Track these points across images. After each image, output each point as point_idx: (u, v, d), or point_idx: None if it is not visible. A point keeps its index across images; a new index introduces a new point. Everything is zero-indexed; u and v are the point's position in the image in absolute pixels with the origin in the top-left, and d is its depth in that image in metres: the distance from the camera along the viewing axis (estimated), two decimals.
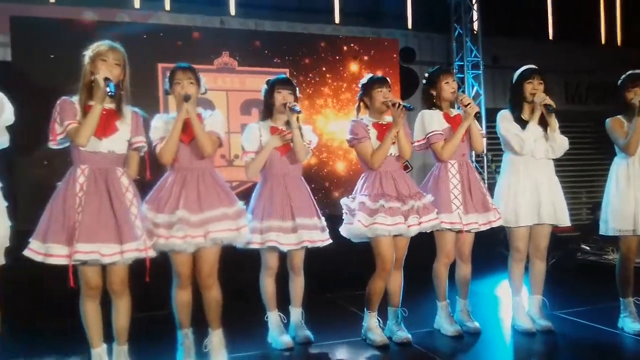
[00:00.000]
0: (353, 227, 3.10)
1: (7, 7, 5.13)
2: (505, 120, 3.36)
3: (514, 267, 3.40)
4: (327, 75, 5.78)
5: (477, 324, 3.37)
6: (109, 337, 2.66)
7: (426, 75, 3.45)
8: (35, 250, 2.46)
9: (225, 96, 5.39)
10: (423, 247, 3.29)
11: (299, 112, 3.08)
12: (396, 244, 3.15)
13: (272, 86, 3.19)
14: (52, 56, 4.88)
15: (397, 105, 3.09)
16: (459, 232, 3.23)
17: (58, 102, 2.59)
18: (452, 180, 3.27)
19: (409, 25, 7.34)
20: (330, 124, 5.78)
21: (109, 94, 2.46)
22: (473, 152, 4.34)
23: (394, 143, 3.16)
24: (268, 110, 3.23)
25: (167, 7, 6.08)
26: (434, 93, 3.36)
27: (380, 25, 7.10)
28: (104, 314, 2.64)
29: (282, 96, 3.14)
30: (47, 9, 5.50)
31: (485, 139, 3.40)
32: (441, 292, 3.37)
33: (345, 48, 5.89)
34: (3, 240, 2.35)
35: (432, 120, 3.31)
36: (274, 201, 3.10)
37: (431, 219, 3.16)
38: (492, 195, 3.40)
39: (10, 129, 2.52)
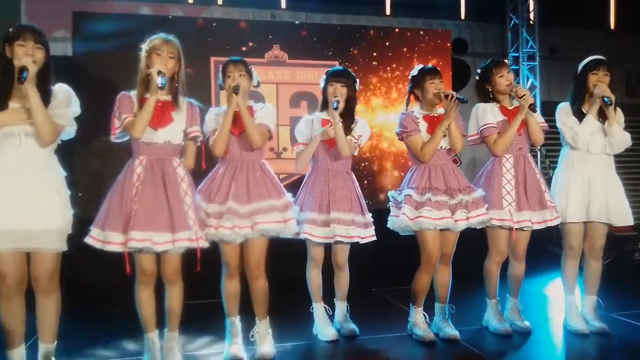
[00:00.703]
0: (398, 220, 3.10)
1: (68, 4, 5.35)
2: (562, 112, 3.26)
3: (567, 265, 3.29)
4: (378, 68, 5.73)
5: (527, 323, 3.29)
6: (161, 322, 2.75)
7: (479, 70, 3.37)
8: (94, 237, 2.58)
9: (275, 89, 5.44)
10: (474, 242, 3.24)
11: (336, 108, 3.04)
12: (444, 238, 3.11)
13: (327, 78, 3.19)
14: (110, 50, 5.05)
15: (450, 96, 3.03)
16: (511, 229, 3.15)
17: (117, 97, 2.70)
18: (505, 175, 3.18)
19: (462, 16, 7.17)
20: (381, 116, 5.73)
21: (160, 86, 2.53)
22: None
23: (445, 136, 3.11)
24: (324, 102, 3.23)
25: (219, 1, 6.18)
26: (489, 87, 3.28)
27: (432, 16, 6.97)
28: (157, 301, 2.74)
29: (333, 89, 3.14)
30: (106, 4, 5.70)
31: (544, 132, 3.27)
32: (492, 290, 3.30)
33: (396, 40, 5.82)
34: (66, 227, 2.46)
35: (485, 113, 3.23)
36: (313, 194, 3.12)
37: (480, 214, 3.09)
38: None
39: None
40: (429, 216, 3.00)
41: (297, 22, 5.92)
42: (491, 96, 3.29)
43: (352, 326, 3.26)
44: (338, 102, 3.04)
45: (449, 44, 6.05)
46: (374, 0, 6.67)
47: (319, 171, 3.18)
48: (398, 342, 3.18)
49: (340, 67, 3.32)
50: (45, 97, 2.40)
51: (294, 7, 6.37)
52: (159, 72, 2.56)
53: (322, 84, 3.24)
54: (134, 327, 2.75)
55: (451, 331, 3.15)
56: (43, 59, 2.41)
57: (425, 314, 3.22)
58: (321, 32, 5.71)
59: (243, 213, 2.76)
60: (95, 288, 3.69)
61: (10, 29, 2.42)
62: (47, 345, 2.48)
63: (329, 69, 3.32)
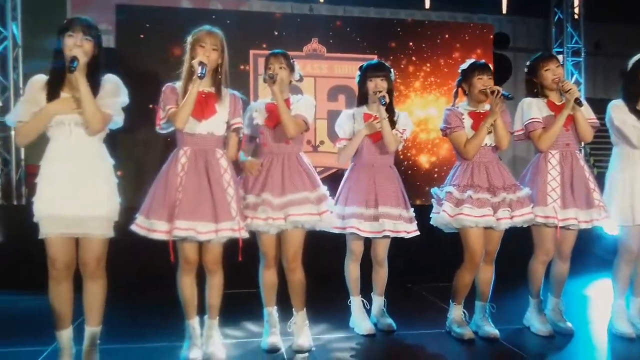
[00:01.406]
0: (439, 217, 3.07)
1: None
2: (619, 111, 3.13)
3: (622, 268, 3.16)
4: (417, 62, 5.67)
5: (570, 325, 3.21)
6: (202, 310, 2.80)
7: (528, 63, 3.29)
8: (140, 225, 2.64)
9: (313, 82, 5.44)
10: (516, 240, 3.17)
11: (384, 103, 3.01)
12: (488, 236, 3.06)
13: (364, 73, 3.17)
14: (151, 42, 5.14)
15: (496, 93, 2.98)
16: (556, 227, 3.07)
17: (163, 88, 2.74)
18: (551, 172, 3.09)
19: (503, 10, 7.03)
20: (419, 111, 5.67)
21: (199, 75, 2.56)
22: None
23: (490, 133, 3.05)
24: (362, 97, 3.22)
25: None
26: (536, 81, 3.20)
27: (472, 10, 6.87)
28: (199, 289, 2.78)
29: (373, 84, 3.11)
30: None
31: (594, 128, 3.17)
32: (535, 289, 3.23)
33: (435, 34, 5.74)
34: (113, 215, 2.52)
35: (531, 108, 3.15)
36: (359, 188, 3.11)
37: (525, 213, 3.02)
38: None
39: None
40: (470, 213, 2.96)
41: (335, 15, 5.90)
42: (537, 90, 3.21)
43: (390, 321, 3.25)
44: (385, 97, 3.02)
45: (490, 39, 5.94)
46: None
47: (364, 165, 3.16)
48: (436, 338, 3.15)
49: (376, 61, 3.29)
50: (95, 87, 2.45)
51: (332, 1, 6.37)
52: (200, 63, 2.58)
53: (357, 79, 3.22)
54: (177, 313, 2.80)
55: (491, 330, 3.10)
56: (92, 51, 2.46)
57: (465, 311, 3.18)
58: (359, 25, 5.69)
59: (277, 205, 2.79)
60: (140, 274, 3.78)
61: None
62: (93, 328, 2.54)
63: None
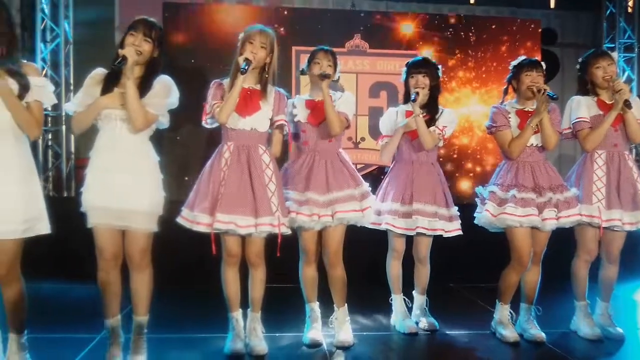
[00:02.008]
0: (482, 216, 3.03)
1: None
2: None
3: None
4: (461, 58, 5.57)
5: (620, 330, 3.10)
6: (245, 303, 2.84)
7: (580, 60, 3.19)
8: (185, 217, 2.71)
9: (355, 79, 5.42)
10: (564, 241, 3.09)
11: (414, 100, 2.98)
12: (534, 237, 2.99)
13: (407, 70, 3.15)
14: (197, 39, 5.23)
15: (542, 91, 2.90)
16: (599, 228, 2.98)
17: (210, 84, 2.79)
18: (596, 172, 3.02)
19: (551, 4, 6.82)
20: (464, 108, 5.58)
21: (240, 70, 2.58)
22: None
23: (536, 132, 2.98)
24: (407, 93, 3.19)
25: None
26: (587, 79, 3.10)
27: (518, 4, 6.69)
28: (242, 282, 2.82)
29: (415, 80, 3.09)
30: None
31: None
32: (580, 291, 3.14)
33: (480, 29, 5.62)
34: (156, 209, 2.57)
35: (579, 107, 3.07)
36: (397, 185, 3.10)
37: (571, 214, 2.95)
38: None
39: None
40: (513, 213, 2.91)
41: (378, 11, 5.86)
42: (590, 89, 3.11)
43: (432, 320, 3.21)
44: (417, 93, 2.99)
45: (538, 34, 5.78)
46: None
47: (403, 162, 3.15)
48: (480, 339, 3.09)
49: (420, 57, 3.25)
50: (146, 87, 2.50)
51: None
52: (245, 59, 2.61)
53: (403, 76, 3.19)
54: (221, 305, 2.86)
55: (537, 333, 3.02)
56: (150, 52, 2.50)
57: (512, 312, 3.11)
58: (402, 21, 5.62)
59: (323, 202, 2.81)
60: (186, 266, 3.86)
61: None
62: (140, 317, 2.61)
63: (409, 59, 3.27)
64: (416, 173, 3.10)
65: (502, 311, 3.10)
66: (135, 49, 2.45)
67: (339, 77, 3.04)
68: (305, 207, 2.79)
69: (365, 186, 2.96)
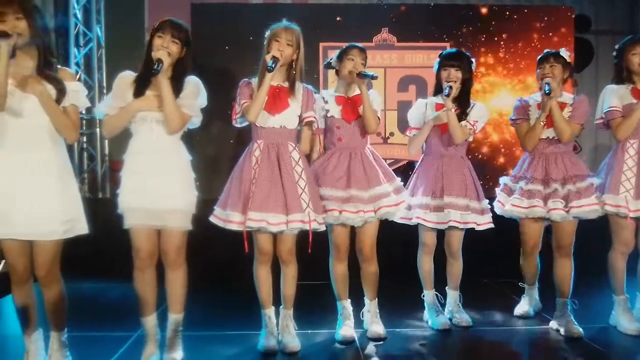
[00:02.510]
0: (495, 206, 3.14)
1: None
2: None
3: None
4: (491, 49, 5.46)
5: None
6: (278, 300, 2.86)
7: (616, 46, 3.11)
8: (217, 216, 2.75)
9: (383, 73, 5.38)
10: (601, 234, 3.01)
11: (447, 95, 2.96)
12: (556, 230, 3.01)
13: (440, 62, 3.12)
14: (225, 38, 5.27)
15: (544, 88, 2.92)
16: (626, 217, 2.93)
17: (239, 84, 2.81)
18: (627, 161, 2.98)
19: None
20: (495, 99, 5.47)
21: (267, 68, 2.59)
22: None
23: (550, 127, 2.99)
24: (437, 85, 3.16)
25: None
26: (623, 66, 3.03)
27: None
28: (274, 280, 2.84)
29: (447, 73, 3.05)
30: None
31: None
32: (618, 284, 3.06)
33: (511, 18, 5.49)
34: (190, 208, 2.61)
35: (611, 96, 3.03)
36: (427, 179, 3.08)
37: (584, 204, 2.92)
38: None
39: None
40: (518, 204, 3.02)
41: (406, 4, 5.78)
42: (625, 76, 3.03)
43: (465, 316, 3.17)
44: (450, 87, 2.96)
45: (570, 22, 5.61)
46: None
47: (432, 156, 3.13)
48: (515, 335, 3.05)
49: (454, 50, 3.22)
50: (178, 88, 2.54)
51: None
52: (273, 57, 2.62)
53: (435, 67, 3.15)
54: (254, 302, 2.88)
55: (574, 328, 2.96)
56: (178, 53, 2.53)
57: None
58: (431, 12, 5.54)
59: (367, 198, 2.83)
60: (218, 264, 3.91)
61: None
62: (175, 315, 2.65)
63: (439, 51, 3.26)
64: (446, 167, 3.07)
65: (530, 290, 3.33)
66: (165, 50, 2.48)
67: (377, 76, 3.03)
68: (349, 204, 2.81)
69: (398, 181, 2.98)
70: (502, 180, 3.19)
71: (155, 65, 2.42)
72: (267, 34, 2.75)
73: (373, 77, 2.81)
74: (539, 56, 3.12)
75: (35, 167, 2.35)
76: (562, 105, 3.03)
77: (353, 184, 2.83)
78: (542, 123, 2.99)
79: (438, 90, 3.15)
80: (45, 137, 2.39)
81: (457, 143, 3.04)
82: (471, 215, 3.03)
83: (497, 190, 3.20)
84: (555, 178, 2.98)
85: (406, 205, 3.02)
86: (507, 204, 3.07)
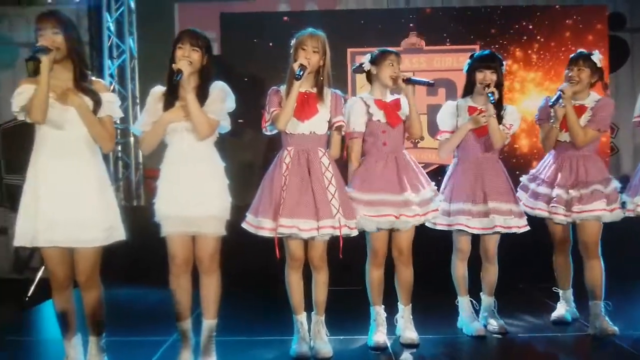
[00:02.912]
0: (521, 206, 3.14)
1: (216, 6, 5.74)
2: None
3: None
4: (523, 49, 5.37)
5: None
6: (310, 306, 2.86)
7: None
8: (249, 223, 2.78)
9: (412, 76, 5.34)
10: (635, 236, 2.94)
11: (493, 101, 2.92)
12: (579, 230, 3.02)
13: (474, 62, 3.07)
14: (253, 46, 5.33)
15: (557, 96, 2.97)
16: None
17: (268, 92, 2.84)
18: None
19: None
20: (527, 100, 5.37)
21: (295, 76, 2.61)
22: None
23: (566, 131, 3.01)
24: (468, 87, 3.12)
25: None
26: None
27: None
28: (306, 286, 2.85)
29: (482, 76, 3.01)
30: (249, 4, 6.00)
31: None
32: None
33: (542, 19, 5.39)
34: (224, 214, 2.65)
35: None
36: (466, 184, 3.03)
37: (586, 210, 2.95)
38: None
39: None
40: (526, 204, 3.13)
41: (433, 7, 5.75)
42: None
43: (501, 322, 3.11)
44: (493, 93, 2.93)
45: (604, 20, 5.48)
46: None
47: (468, 161, 3.08)
48: (552, 342, 2.98)
49: (487, 51, 3.15)
50: (203, 94, 2.58)
51: None
52: (300, 65, 2.64)
53: (466, 68, 3.12)
54: (286, 308, 2.90)
55: (608, 326, 2.92)
56: (200, 60, 2.57)
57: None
58: (459, 15, 5.48)
59: (419, 202, 2.87)
60: (251, 270, 3.94)
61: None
62: (209, 321, 2.68)
63: (469, 53, 3.22)
64: (485, 171, 3.04)
65: (565, 294, 3.29)
66: (187, 60, 2.52)
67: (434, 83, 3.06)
68: (406, 208, 2.81)
69: (433, 185, 3.01)
70: (522, 178, 3.26)
71: (175, 76, 2.47)
72: (293, 42, 2.77)
73: (429, 84, 2.83)
74: (571, 55, 3.11)
75: (76, 176, 2.42)
76: (582, 109, 3.03)
77: (406, 188, 2.84)
78: (554, 128, 3.04)
79: (468, 91, 3.12)
80: (83, 147, 2.46)
81: (497, 148, 3.02)
82: (514, 219, 3.00)
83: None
84: (562, 183, 3.02)
85: (441, 211, 3.00)
86: (522, 203, 3.13)
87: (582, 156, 3.04)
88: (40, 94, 2.31)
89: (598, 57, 3.03)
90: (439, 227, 3.05)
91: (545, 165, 3.17)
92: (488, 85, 2.96)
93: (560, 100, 2.98)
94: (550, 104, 3.01)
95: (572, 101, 3.00)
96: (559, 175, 3.05)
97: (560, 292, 3.31)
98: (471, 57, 3.12)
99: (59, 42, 2.37)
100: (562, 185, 3.02)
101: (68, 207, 2.38)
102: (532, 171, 3.26)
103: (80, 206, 2.40)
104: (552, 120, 3.04)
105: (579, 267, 3.10)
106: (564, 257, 3.22)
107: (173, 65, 2.52)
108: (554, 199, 3.02)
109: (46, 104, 2.34)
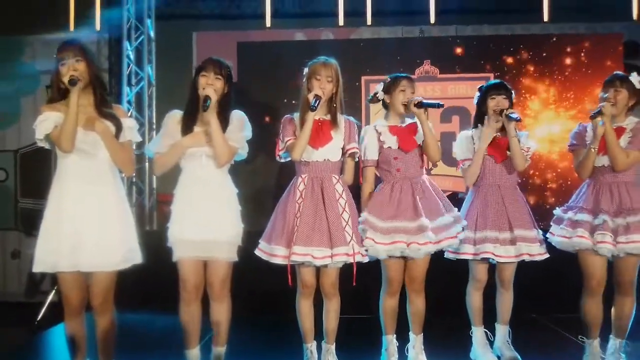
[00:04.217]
0: (552, 239, 2.97)
1: (233, 35, 5.85)
2: None
3: None
4: (537, 79, 5.38)
5: None
6: (320, 334, 2.83)
7: None
8: (262, 250, 2.78)
9: None
10: None
11: (518, 119, 2.91)
12: (616, 265, 2.82)
13: (485, 92, 3.08)
14: (270, 75, 5.41)
15: (597, 114, 2.79)
16: None
17: (282, 120, 2.87)
18: None
19: (634, 15, 6.46)
20: (541, 128, 5.35)
21: (311, 108, 2.64)
22: None
23: (604, 154, 2.83)
24: (480, 117, 3.12)
25: (369, 21, 6.28)
26: None
27: (597, 19, 6.38)
28: (316, 313, 2.82)
29: (495, 102, 3.01)
30: (266, 33, 6.11)
31: None
32: None
33: (557, 47, 5.41)
34: (237, 240, 2.66)
35: None
36: (489, 211, 2.99)
37: (633, 240, 2.73)
38: None
39: None
40: (564, 235, 2.88)
41: (447, 36, 5.80)
42: None
43: (515, 354, 3.04)
44: (514, 112, 2.92)
45: (620, 49, 5.48)
46: (530, 7, 6.30)
47: (489, 187, 3.05)
48: None
49: (497, 80, 3.20)
50: (224, 122, 2.63)
51: (444, 21, 6.23)
52: (315, 96, 2.67)
53: (476, 99, 3.13)
54: (296, 336, 2.87)
55: None
56: (222, 89, 2.62)
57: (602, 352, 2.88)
58: (473, 44, 5.52)
59: (433, 228, 2.80)
60: (261, 298, 3.92)
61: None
62: (219, 348, 2.67)
63: (483, 81, 3.25)
64: (507, 198, 3.01)
65: (590, 348, 2.91)
66: (212, 88, 2.56)
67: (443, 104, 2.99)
68: (418, 235, 2.77)
69: (456, 211, 2.95)
70: (556, 211, 3.04)
71: (204, 103, 2.51)
72: (306, 71, 2.80)
73: (439, 106, 2.81)
74: (606, 78, 2.94)
75: (98, 201, 2.45)
76: (620, 131, 2.85)
77: (420, 214, 2.80)
78: (593, 150, 2.82)
79: (479, 121, 3.12)
80: (106, 172, 2.50)
81: (519, 170, 3.00)
82: (538, 247, 2.97)
83: (556, 221, 3.02)
84: (606, 209, 2.81)
85: (463, 237, 2.93)
86: (555, 235, 2.94)
87: (623, 182, 2.85)
88: (70, 125, 2.36)
89: (637, 79, 2.86)
90: (464, 257, 2.98)
91: (582, 194, 2.94)
92: (501, 110, 2.95)
93: (600, 119, 2.77)
94: (591, 115, 2.80)
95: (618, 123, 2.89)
96: (599, 201, 2.84)
97: (587, 341, 2.94)
98: (480, 89, 3.13)
99: (81, 70, 2.42)
100: (606, 211, 2.81)
101: (92, 231, 2.40)
102: (569, 202, 3.01)
103: (105, 230, 2.43)
104: (589, 142, 2.85)
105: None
106: (598, 301, 2.86)
107: (200, 91, 2.56)
108: (600, 227, 2.77)
109: (75, 134, 2.39)
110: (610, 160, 2.83)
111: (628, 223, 2.76)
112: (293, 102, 2.89)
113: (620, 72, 2.98)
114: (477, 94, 3.14)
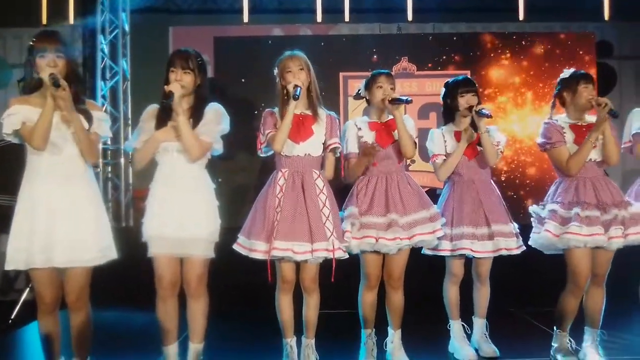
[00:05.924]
0: (540, 237, 2.89)
1: (210, 30, 5.80)
2: None
3: None
4: (512, 76, 5.46)
5: None
6: (299, 329, 2.82)
7: None
8: (241, 245, 2.75)
9: None
10: (630, 259, 2.92)
11: (489, 116, 2.94)
12: (597, 257, 2.84)
13: (453, 89, 3.10)
14: (247, 70, 5.37)
15: (603, 105, 2.77)
16: None
17: (263, 114, 2.85)
18: None
19: (606, 16, 6.60)
20: (514, 125, 5.44)
21: (294, 96, 2.63)
22: None
23: (595, 147, 2.86)
24: (449, 114, 3.15)
25: (347, 18, 6.28)
26: None
27: (571, 19, 6.50)
28: (296, 309, 2.81)
29: (465, 100, 3.04)
30: (242, 28, 6.07)
31: None
32: None
33: (532, 46, 5.51)
34: (213, 236, 2.63)
35: None
36: (465, 207, 3.02)
37: (634, 232, 2.79)
38: None
39: None
40: (578, 232, 2.75)
41: (424, 33, 5.84)
42: None
43: (492, 347, 3.08)
44: (484, 108, 2.95)
45: (593, 48, 5.60)
46: (506, 6, 6.38)
47: (463, 183, 3.08)
48: None
49: (463, 76, 3.20)
50: (197, 115, 2.59)
51: (421, 19, 6.28)
52: (295, 86, 2.65)
53: (443, 95, 3.15)
54: (275, 331, 2.85)
55: (597, 358, 2.86)
56: (192, 82, 2.58)
57: (571, 339, 2.94)
58: (450, 41, 5.59)
59: (403, 224, 2.79)
60: (240, 293, 3.90)
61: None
62: (196, 344, 2.64)
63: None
64: (482, 193, 3.04)
65: (561, 338, 2.93)
66: (179, 83, 2.53)
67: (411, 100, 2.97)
68: (387, 231, 2.77)
69: (434, 208, 2.94)
70: (547, 208, 2.89)
71: (166, 98, 2.48)
72: (276, 70, 2.80)
73: (407, 102, 2.80)
74: (574, 74, 2.94)
75: (71, 196, 2.40)
76: (591, 127, 2.86)
77: (391, 209, 2.80)
78: (592, 144, 2.81)
79: (449, 118, 3.14)
80: (78, 167, 2.45)
81: (491, 165, 3.04)
82: (514, 241, 3.01)
83: (538, 219, 2.95)
84: (609, 203, 2.80)
85: (441, 234, 2.93)
86: (562, 233, 2.79)
87: (602, 176, 2.90)
88: (45, 124, 2.32)
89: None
90: (442, 253, 3.01)
91: (561, 190, 2.89)
92: (470, 107, 2.98)
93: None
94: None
95: (577, 122, 2.93)
96: (599, 196, 2.82)
97: (562, 333, 2.94)
98: (446, 84, 3.15)
99: (61, 65, 2.37)
100: (610, 205, 2.79)
101: (66, 226, 2.36)
102: (557, 198, 2.90)
103: (78, 225, 2.38)
104: (588, 136, 2.80)
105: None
106: (580, 297, 2.87)
107: (165, 87, 2.52)
108: (612, 221, 2.77)
109: (49, 133, 2.34)
110: (608, 154, 2.84)
111: (632, 215, 2.81)
112: (271, 96, 2.86)
113: (579, 70, 3.01)
114: (443, 89, 3.16)
